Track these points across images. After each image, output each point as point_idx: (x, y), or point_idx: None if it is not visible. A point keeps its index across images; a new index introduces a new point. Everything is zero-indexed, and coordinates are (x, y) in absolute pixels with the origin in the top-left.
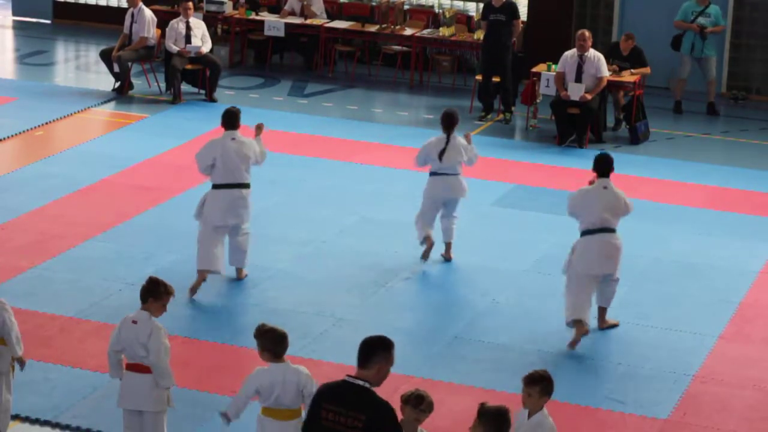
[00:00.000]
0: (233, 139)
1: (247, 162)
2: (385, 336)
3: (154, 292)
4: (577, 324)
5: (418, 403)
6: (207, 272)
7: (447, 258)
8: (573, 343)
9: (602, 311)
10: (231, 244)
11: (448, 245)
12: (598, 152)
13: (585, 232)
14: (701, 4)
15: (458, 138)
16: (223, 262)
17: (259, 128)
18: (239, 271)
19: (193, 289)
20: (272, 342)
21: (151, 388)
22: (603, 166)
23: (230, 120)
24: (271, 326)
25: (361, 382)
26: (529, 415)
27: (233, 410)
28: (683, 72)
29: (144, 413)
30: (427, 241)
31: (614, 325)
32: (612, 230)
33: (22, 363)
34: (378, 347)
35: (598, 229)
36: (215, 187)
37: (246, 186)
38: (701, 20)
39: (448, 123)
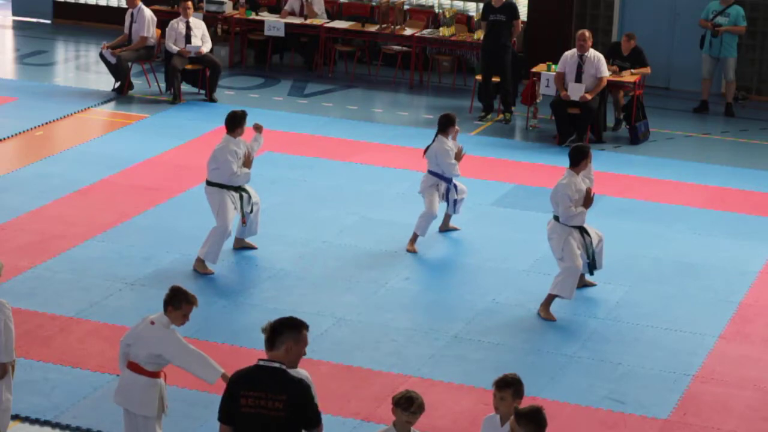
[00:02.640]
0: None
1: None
2: (296, 317)
3: (173, 301)
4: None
5: (409, 405)
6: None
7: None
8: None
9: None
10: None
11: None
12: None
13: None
14: (723, 4)
15: (444, 143)
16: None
17: (258, 128)
18: (248, 242)
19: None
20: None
21: (141, 391)
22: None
23: (233, 123)
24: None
25: (276, 364)
26: (502, 420)
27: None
28: (704, 71)
29: (137, 415)
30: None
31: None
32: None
33: (3, 370)
34: (284, 327)
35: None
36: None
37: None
38: (719, 19)
39: (438, 123)
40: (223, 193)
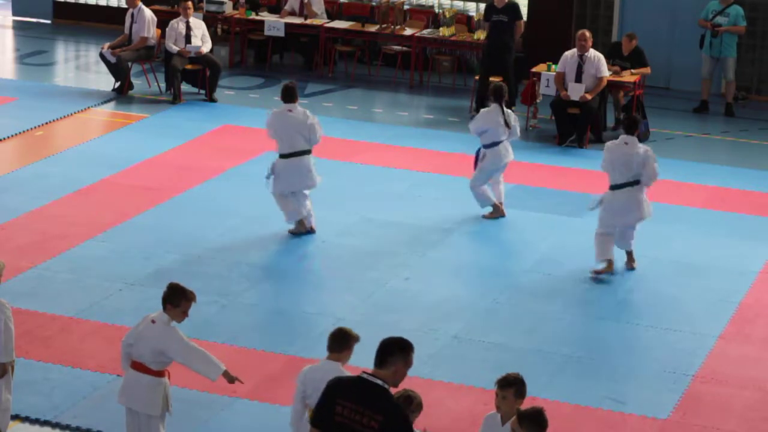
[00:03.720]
0: (290, 111)
1: (305, 132)
2: (405, 338)
3: (171, 298)
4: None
5: (408, 404)
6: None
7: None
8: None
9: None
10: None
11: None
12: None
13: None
14: (722, 4)
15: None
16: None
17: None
18: (302, 224)
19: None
20: (330, 337)
21: (146, 390)
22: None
23: (288, 94)
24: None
25: (379, 382)
26: (503, 419)
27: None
28: (704, 71)
29: (141, 414)
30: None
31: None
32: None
33: (3, 370)
34: (396, 348)
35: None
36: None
37: (307, 152)
38: (719, 19)
39: (500, 94)
40: None
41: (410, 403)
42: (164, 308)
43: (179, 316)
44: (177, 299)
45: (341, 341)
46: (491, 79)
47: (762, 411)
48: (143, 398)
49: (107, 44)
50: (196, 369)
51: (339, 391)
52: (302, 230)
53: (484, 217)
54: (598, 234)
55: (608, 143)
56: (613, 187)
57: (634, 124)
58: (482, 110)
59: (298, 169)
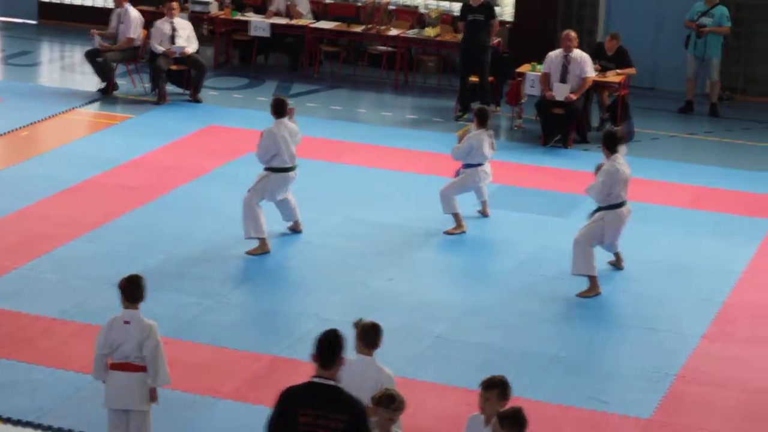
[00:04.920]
0: (284, 126)
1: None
2: (338, 330)
3: (140, 291)
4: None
5: (390, 402)
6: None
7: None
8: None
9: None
10: (281, 205)
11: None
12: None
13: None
14: (708, 5)
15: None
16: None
17: (291, 111)
18: (297, 223)
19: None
20: (361, 332)
21: (138, 387)
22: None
23: (281, 108)
24: (368, 321)
25: (332, 383)
26: (486, 420)
27: None
28: (689, 71)
29: (131, 412)
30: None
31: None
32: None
33: None
34: (337, 347)
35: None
36: (275, 170)
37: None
38: (704, 20)
39: (484, 118)
40: None
41: (392, 402)
42: (134, 301)
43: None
44: (143, 290)
45: (375, 335)
46: (471, 79)
47: (744, 410)
48: (136, 396)
49: (97, 31)
50: (155, 370)
51: (297, 400)
52: (266, 251)
53: (445, 233)
54: (589, 246)
55: (614, 166)
56: (619, 205)
57: (619, 140)
58: (467, 136)
59: (290, 179)
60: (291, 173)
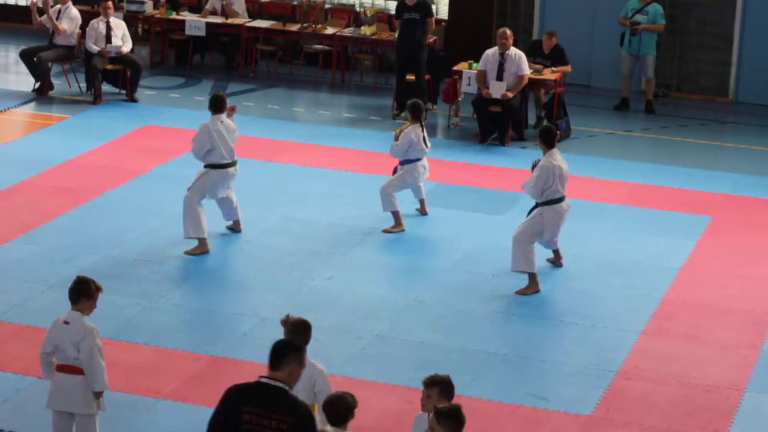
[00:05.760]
0: (221, 122)
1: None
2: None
3: (86, 292)
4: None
5: (344, 406)
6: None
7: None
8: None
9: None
10: (223, 203)
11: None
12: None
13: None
14: (642, 2)
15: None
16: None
17: (232, 110)
18: (237, 223)
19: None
20: (290, 329)
21: (81, 390)
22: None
23: (219, 104)
24: (296, 317)
25: (280, 384)
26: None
27: None
28: (624, 69)
29: (76, 415)
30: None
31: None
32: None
33: None
34: (288, 349)
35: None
36: (213, 167)
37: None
38: (638, 17)
39: (417, 112)
40: None
41: (346, 406)
42: (77, 302)
43: (90, 309)
44: (90, 291)
45: (305, 331)
46: (407, 77)
47: (684, 406)
48: (81, 399)
49: (37, 2)
50: (93, 374)
51: (242, 398)
52: (206, 251)
53: (383, 231)
54: (529, 242)
55: (550, 161)
56: (558, 200)
57: (555, 135)
58: (404, 132)
59: (231, 175)
60: (231, 169)
